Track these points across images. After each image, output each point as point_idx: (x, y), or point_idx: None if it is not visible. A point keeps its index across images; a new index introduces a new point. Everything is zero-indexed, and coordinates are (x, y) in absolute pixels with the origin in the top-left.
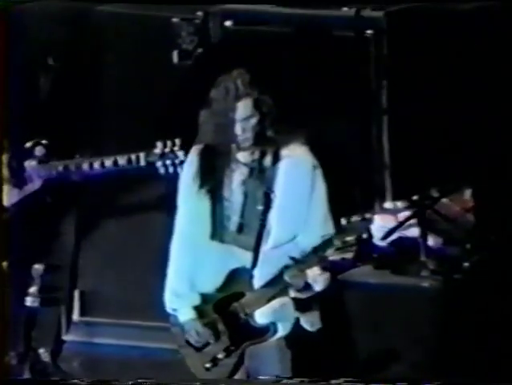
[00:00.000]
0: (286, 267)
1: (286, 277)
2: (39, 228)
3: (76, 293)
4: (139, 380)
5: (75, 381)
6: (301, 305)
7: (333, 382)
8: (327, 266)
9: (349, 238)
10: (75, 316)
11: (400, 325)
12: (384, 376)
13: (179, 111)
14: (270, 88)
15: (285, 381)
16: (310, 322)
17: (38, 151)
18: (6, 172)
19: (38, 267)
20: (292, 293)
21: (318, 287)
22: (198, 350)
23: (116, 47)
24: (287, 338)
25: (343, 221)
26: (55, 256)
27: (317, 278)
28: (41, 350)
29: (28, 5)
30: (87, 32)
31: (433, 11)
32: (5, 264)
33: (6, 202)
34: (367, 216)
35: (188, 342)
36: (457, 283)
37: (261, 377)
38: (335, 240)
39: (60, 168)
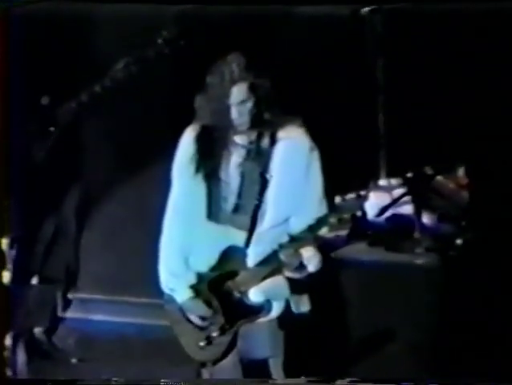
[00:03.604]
0: (281, 246)
1: (282, 256)
2: (39, 205)
3: (72, 270)
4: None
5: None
6: (293, 285)
7: (338, 382)
8: (320, 245)
9: (344, 216)
10: (71, 293)
11: (394, 302)
12: (383, 364)
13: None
14: (266, 71)
15: (293, 380)
16: (296, 304)
17: (44, 100)
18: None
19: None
20: (286, 273)
21: (311, 268)
22: (201, 329)
23: (115, 35)
24: (279, 319)
25: (338, 199)
26: (53, 234)
27: (311, 258)
28: (36, 329)
29: (29, 6)
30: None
31: None
32: (4, 241)
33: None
34: (362, 193)
35: (189, 322)
36: (451, 260)
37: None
38: (330, 218)
39: (74, 105)
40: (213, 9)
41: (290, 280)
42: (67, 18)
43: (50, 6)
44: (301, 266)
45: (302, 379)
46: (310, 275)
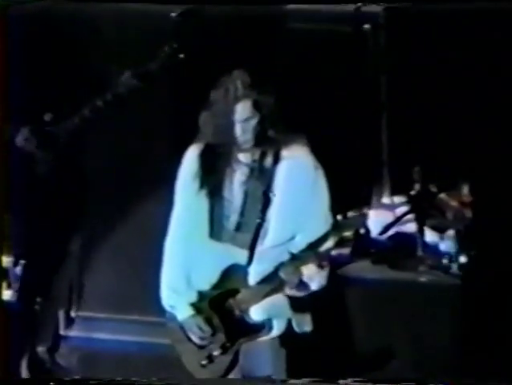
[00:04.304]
0: (282, 264)
1: (282, 274)
2: (40, 223)
3: (74, 289)
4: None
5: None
6: (294, 304)
7: (341, 382)
8: (324, 264)
9: (346, 234)
10: (73, 311)
11: (398, 320)
12: (386, 375)
13: (178, 110)
14: (271, 88)
15: (296, 381)
16: (298, 324)
17: (47, 116)
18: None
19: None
20: (287, 291)
21: (314, 286)
22: (201, 347)
23: (116, 45)
24: (281, 337)
25: (339, 217)
26: (54, 252)
27: (313, 276)
28: (39, 346)
29: (28, 5)
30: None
31: (432, 8)
32: (4, 258)
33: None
34: (364, 211)
35: (190, 340)
36: (454, 278)
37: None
38: (332, 235)
39: (77, 121)
40: (215, 22)
41: (291, 298)
42: (67, 18)
43: (50, 6)
44: (303, 284)
45: (305, 379)
46: (313, 293)
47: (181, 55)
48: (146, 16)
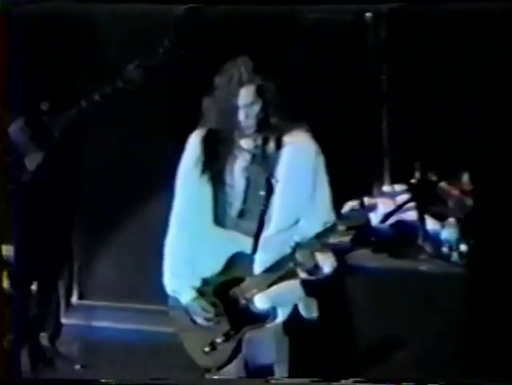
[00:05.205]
0: (298, 245)
1: (298, 256)
2: (40, 213)
3: (75, 277)
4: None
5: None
6: (307, 289)
7: (343, 382)
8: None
9: (352, 225)
10: (74, 299)
11: (398, 309)
12: (386, 366)
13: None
14: (274, 75)
15: (296, 381)
16: (307, 308)
17: (44, 105)
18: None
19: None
20: (302, 275)
21: (327, 268)
22: (207, 329)
23: (116, 38)
24: (284, 325)
25: (346, 208)
26: (54, 239)
27: (326, 259)
28: (40, 334)
29: (29, 6)
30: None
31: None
32: (4, 247)
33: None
34: (372, 202)
35: (194, 323)
36: (454, 267)
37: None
38: (339, 226)
39: (74, 112)
40: (216, 14)
41: (305, 282)
42: (68, 19)
43: (51, 7)
44: (316, 268)
45: (306, 379)
46: (316, 281)
47: (183, 51)
48: (147, 13)
